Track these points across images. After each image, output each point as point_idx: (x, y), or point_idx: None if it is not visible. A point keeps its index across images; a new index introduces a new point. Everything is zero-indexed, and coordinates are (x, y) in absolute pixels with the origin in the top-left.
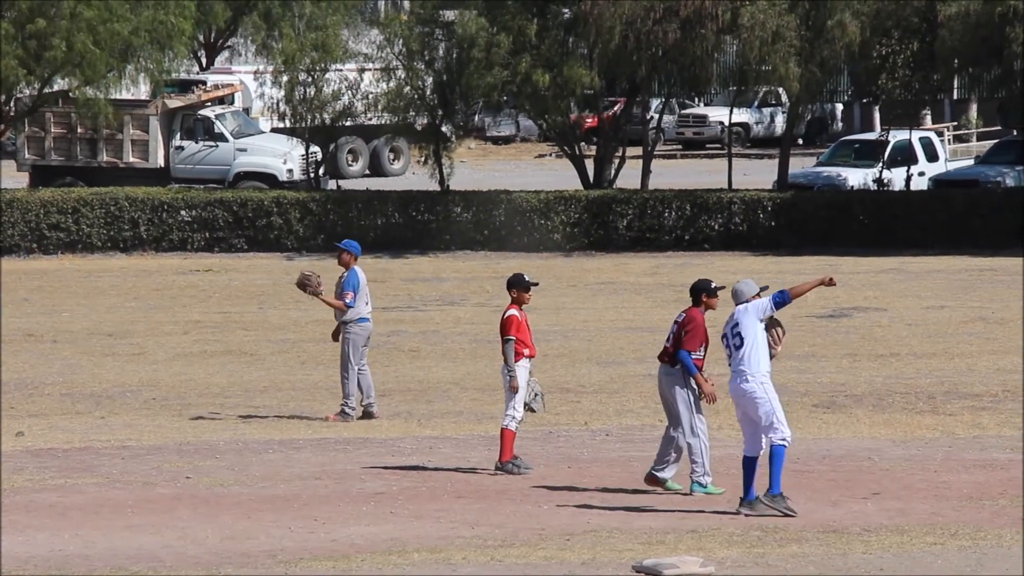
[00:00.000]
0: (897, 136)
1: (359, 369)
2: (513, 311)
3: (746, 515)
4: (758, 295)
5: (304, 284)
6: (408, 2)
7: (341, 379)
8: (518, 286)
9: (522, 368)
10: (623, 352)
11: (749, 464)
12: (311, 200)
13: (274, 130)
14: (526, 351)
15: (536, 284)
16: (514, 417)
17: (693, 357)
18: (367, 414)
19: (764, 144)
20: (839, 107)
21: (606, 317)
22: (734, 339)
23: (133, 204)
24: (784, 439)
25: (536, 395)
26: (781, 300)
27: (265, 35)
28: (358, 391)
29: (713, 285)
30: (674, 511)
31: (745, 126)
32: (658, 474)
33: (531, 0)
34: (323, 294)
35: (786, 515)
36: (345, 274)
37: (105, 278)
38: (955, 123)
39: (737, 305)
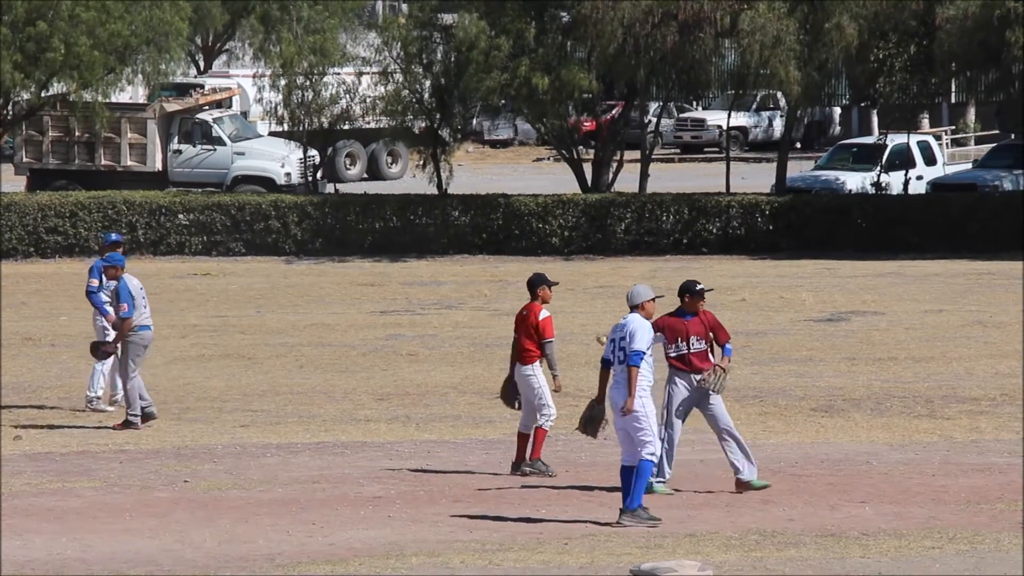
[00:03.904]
0: (895, 140)
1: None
2: (546, 312)
3: (626, 524)
4: (652, 301)
5: (97, 350)
6: (406, 5)
7: (123, 389)
8: (544, 283)
9: (539, 370)
10: None
11: (627, 473)
12: (309, 204)
13: (272, 134)
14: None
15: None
16: (550, 416)
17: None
18: (127, 423)
19: (762, 148)
20: (837, 111)
21: (604, 321)
22: (620, 351)
23: (131, 208)
24: (652, 454)
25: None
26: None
27: (263, 39)
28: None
29: (699, 287)
30: (671, 514)
31: (743, 130)
32: (740, 477)
33: (530, 3)
34: (114, 348)
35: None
36: (116, 286)
37: None
38: (953, 127)
39: (632, 310)
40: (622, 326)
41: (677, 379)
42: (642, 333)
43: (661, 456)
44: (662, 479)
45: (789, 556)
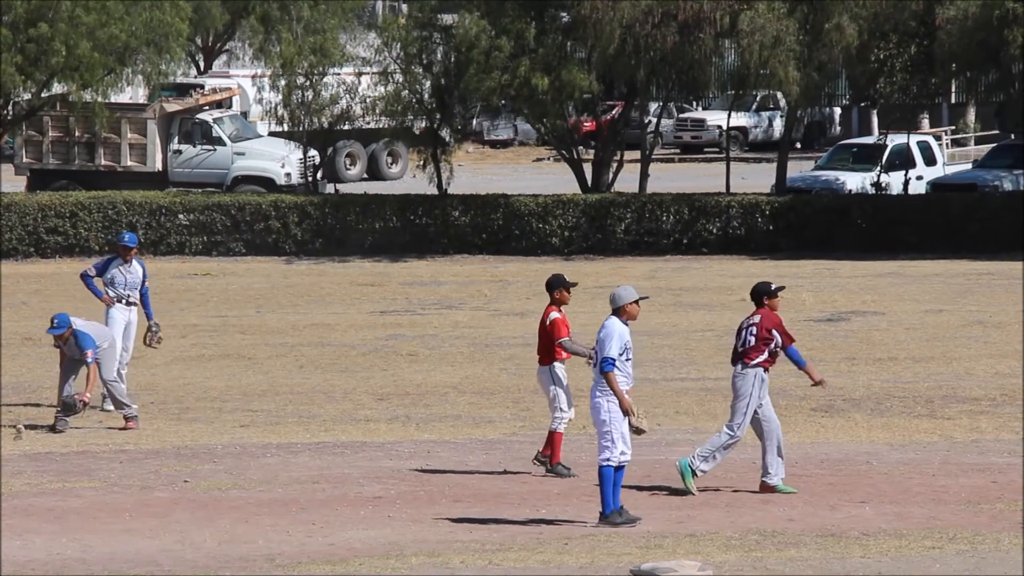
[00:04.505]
0: (895, 140)
1: (110, 381)
2: (556, 313)
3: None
4: (635, 303)
5: (71, 408)
6: (406, 5)
7: (111, 394)
8: (561, 286)
9: (562, 370)
10: None
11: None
12: (309, 204)
13: (272, 134)
14: (564, 353)
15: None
16: (561, 419)
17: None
18: (53, 427)
19: (762, 148)
20: (837, 111)
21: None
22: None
23: (131, 208)
24: (608, 460)
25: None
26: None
27: (263, 39)
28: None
29: (773, 287)
30: (671, 515)
31: (743, 130)
32: (767, 480)
33: (530, 3)
34: (87, 393)
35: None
36: (71, 341)
37: None
38: (953, 127)
39: (614, 312)
40: (601, 329)
41: (763, 377)
42: (611, 340)
43: (724, 449)
44: (705, 469)
45: (789, 556)
